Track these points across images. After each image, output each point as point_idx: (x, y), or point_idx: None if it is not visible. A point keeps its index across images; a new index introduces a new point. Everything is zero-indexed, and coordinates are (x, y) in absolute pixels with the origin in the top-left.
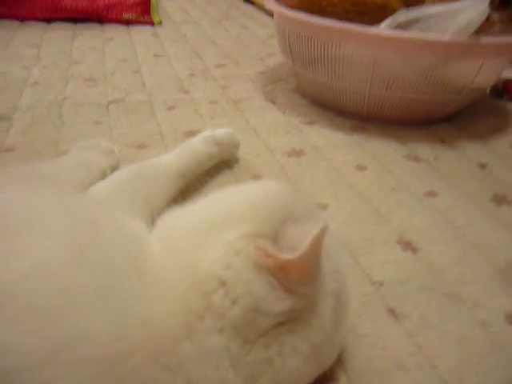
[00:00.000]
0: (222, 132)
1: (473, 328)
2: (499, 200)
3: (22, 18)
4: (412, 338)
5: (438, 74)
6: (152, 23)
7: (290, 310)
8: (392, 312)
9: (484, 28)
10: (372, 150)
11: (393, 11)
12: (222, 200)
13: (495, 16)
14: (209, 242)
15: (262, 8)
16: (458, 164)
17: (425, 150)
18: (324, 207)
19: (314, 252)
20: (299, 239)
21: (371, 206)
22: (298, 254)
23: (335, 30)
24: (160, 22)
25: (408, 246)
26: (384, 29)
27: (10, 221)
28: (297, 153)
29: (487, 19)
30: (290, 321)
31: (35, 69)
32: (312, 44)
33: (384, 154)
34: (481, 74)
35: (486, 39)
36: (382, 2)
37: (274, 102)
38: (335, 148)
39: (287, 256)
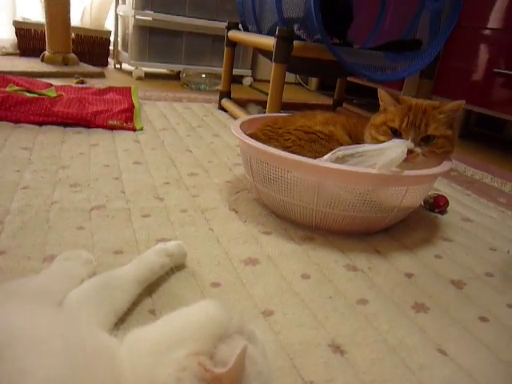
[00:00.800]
0: (172, 244)
1: None
2: (418, 308)
3: (17, 121)
4: None
5: (370, 198)
6: (134, 129)
7: None
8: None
9: (409, 158)
10: (317, 259)
11: (337, 140)
12: (172, 323)
13: (418, 149)
14: (163, 360)
15: (233, 116)
16: (388, 274)
17: (362, 260)
18: (270, 313)
19: (239, 366)
20: (228, 357)
21: (310, 312)
22: (227, 369)
23: (287, 160)
24: (141, 128)
25: (337, 349)
26: (325, 161)
27: (19, 341)
28: (252, 261)
29: (411, 152)
30: None
31: (27, 173)
32: (268, 168)
33: (327, 264)
34: (407, 197)
35: (406, 172)
36: (329, 133)
37: (236, 212)
38: (286, 257)
39: (220, 371)
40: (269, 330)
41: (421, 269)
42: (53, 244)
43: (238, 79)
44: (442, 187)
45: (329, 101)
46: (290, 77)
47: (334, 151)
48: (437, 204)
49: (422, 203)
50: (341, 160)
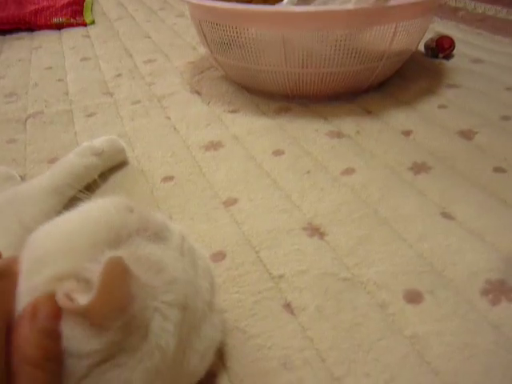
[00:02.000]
0: (100, 141)
1: (367, 313)
2: (418, 168)
3: None
4: (304, 331)
5: (349, 45)
6: (85, 24)
7: (107, 346)
8: (288, 306)
9: None
10: (293, 132)
11: None
12: (59, 231)
13: None
14: (33, 281)
15: None
16: (380, 135)
17: (348, 124)
18: (233, 202)
19: (110, 286)
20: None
21: (282, 194)
22: (89, 300)
23: (241, 12)
24: (93, 22)
25: (315, 231)
26: (286, 6)
27: None
28: (214, 146)
29: None
30: (113, 355)
31: None
32: (222, 29)
33: (305, 135)
34: (397, 38)
35: (393, 2)
36: None
37: (199, 94)
38: (255, 135)
39: (82, 300)
40: (231, 221)
41: (421, 124)
42: None
43: None
44: (447, 30)
45: None
46: None
47: None
48: (441, 47)
49: (424, 50)
50: (304, 2)
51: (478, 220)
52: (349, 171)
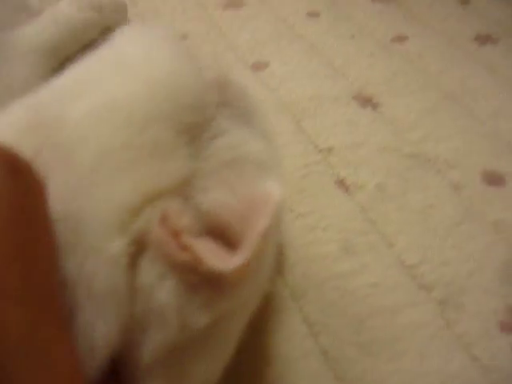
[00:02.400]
0: None
1: (441, 194)
2: (483, 39)
3: None
4: (365, 212)
5: None
6: None
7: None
8: (341, 183)
9: None
10: None
11: None
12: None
13: None
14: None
15: None
16: (433, 1)
17: None
18: (264, 66)
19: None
20: (235, 216)
21: (323, 59)
22: (234, 266)
23: None
24: None
25: (367, 101)
26: None
27: None
28: (234, 3)
29: None
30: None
31: None
32: None
33: None
34: None
35: None
36: None
37: None
38: None
39: (219, 264)
40: (262, 87)
41: None
42: None
43: None
44: None
45: None
46: None
47: None
48: None
49: None
50: None
51: None
52: (400, 38)
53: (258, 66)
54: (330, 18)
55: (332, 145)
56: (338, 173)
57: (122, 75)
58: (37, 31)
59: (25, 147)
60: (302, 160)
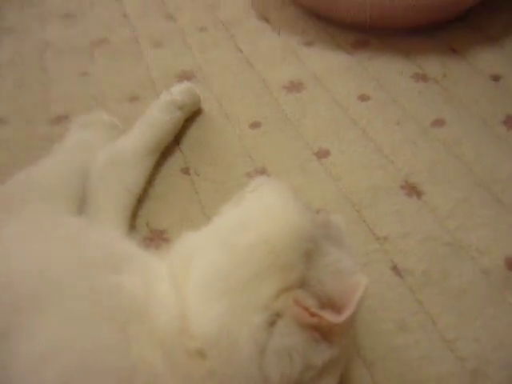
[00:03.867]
0: (179, 92)
1: (473, 279)
2: (511, 122)
3: None
4: (414, 295)
5: None
6: None
7: (330, 359)
8: (395, 269)
9: None
10: (376, 72)
11: None
12: (237, 239)
13: None
14: (238, 304)
15: None
16: (469, 79)
17: (434, 64)
18: (326, 154)
19: (355, 310)
20: (339, 295)
21: (375, 146)
22: (343, 318)
23: None
24: None
25: (413, 190)
26: None
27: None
28: (295, 86)
29: None
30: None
31: (7, 11)
32: None
33: (389, 77)
34: None
35: None
36: None
37: (267, 20)
38: (337, 74)
39: (334, 318)
40: (326, 176)
41: (511, 66)
42: (57, 100)
43: None
44: None
45: None
46: None
47: None
48: None
49: None
50: None
51: None
52: (439, 122)
53: (321, 154)
54: (379, 101)
55: (387, 234)
56: (392, 259)
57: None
58: (139, 138)
59: None
60: (364, 248)
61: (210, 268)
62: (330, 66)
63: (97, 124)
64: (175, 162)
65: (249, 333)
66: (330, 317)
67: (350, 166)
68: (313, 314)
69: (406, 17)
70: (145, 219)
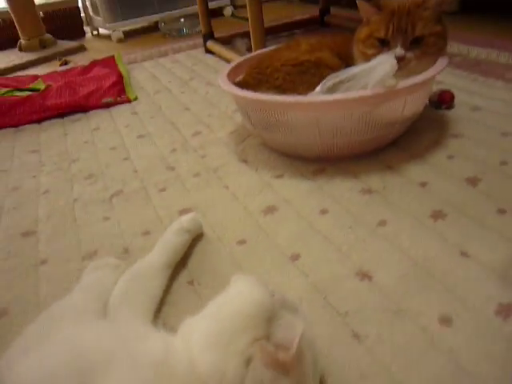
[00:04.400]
0: (186, 220)
1: (413, 335)
2: (436, 216)
3: (17, 125)
4: (371, 354)
5: (370, 118)
6: (129, 101)
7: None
8: (356, 336)
9: (402, 66)
10: (332, 191)
11: (326, 65)
12: (222, 313)
13: (409, 54)
14: (227, 352)
15: (221, 56)
16: (402, 188)
17: (375, 180)
18: (297, 257)
19: (299, 347)
20: (285, 338)
21: (334, 247)
22: (291, 355)
23: (282, 103)
24: (136, 98)
25: (364, 276)
26: (318, 95)
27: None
28: (271, 210)
29: (403, 59)
30: None
31: (42, 176)
32: (266, 114)
33: (342, 194)
34: (407, 107)
35: (401, 84)
36: (317, 60)
37: (246, 162)
38: (301, 197)
39: (286, 357)
40: (299, 273)
41: (434, 175)
42: (86, 241)
43: (218, 12)
44: (446, 78)
45: (315, 11)
46: None
47: (323, 82)
48: (442, 100)
49: (428, 102)
50: (332, 89)
51: (489, 255)
52: (382, 223)
53: (294, 258)
54: (335, 213)
55: (347, 310)
56: (352, 329)
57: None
58: (157, 255)
59: None
60: (330, 323)
61: (206, 330)
62: (297, 191)
63: (104, 266)
64: (183, 275)
65: (233, 369)
66: (283, 356)
67: (317, 263)
68: (272, 356)
69: (350, 150)
70: (162, 320)
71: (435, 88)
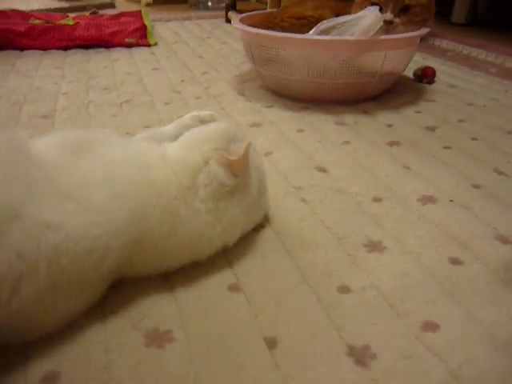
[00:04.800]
0: (204, 113)
1: (348, 205)
2: (392, 144)
3: (45, 48)
4: (313, 213)
5: (354, 64)
6: (149, 45)
7: (234, 184)
8: (303, 200)
9: (390, 29)
10: (311, 120)
11: None
12: (199, 131)
13: (397, 20)
14: (197, 151)
15: None
16: (371, 125)
17: (350, 118)
18: (270, 153)
19: (245, 156)
20: (238, 151)
21: (302, 151)
22: (237, 157)
23: (279, 38)
24: (156, 44)
25: (321, 169)
26: (311, 35)
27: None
28: (256, 125)
29: (391, 22)
30: (234, 191)
31: (63, 84)
32: (265, 50)
33: (319, 122)
34: (386, 62)
35: (383, 37)
36: (319, 16)
37: (243, 95)
38: (284, 121)
39: (233, 157)
40: (269, 163)
41: (400, 120)
42: (95, 126)
43: None
44: (434, 64)
45: None
46: None
47: (317, 25)
48: (425, 74)
49: (412, 76)
50: (324, 32)
51: (429, 171)
52: (347, 142)
53: (267, 154)
54: (309, 132)
55: (300, 185)
56: (301, 196)
57: None
58: (171, 127)
59: None
60: (284, 190)
61: (181, 140)
62: (281, 117)
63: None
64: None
65: (195, 162)
66: (231, 157)
67: (285, 158)
68: (225, 158)
69: (334, 93)
70: None
71: (421, 65)
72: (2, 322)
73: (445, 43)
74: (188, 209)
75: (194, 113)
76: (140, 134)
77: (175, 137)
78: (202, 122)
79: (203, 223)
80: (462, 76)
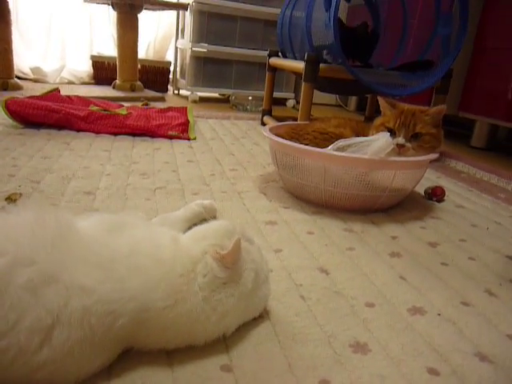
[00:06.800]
0: (206, 201)
1: (345, 310)
2: (394, 255)
3: (98, 132)
4: (311, 313)
5: (365, 179)
6: (189, 139)
7: (227, 276)
8: (302, 297)
9: (402, 152)
10: (322, 224)
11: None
12: (205, 228)
13: (408, 144)
14: (196, 245)
15: None
16: (376, 235)
17: (357, 226)
18: (280, 251)
19: (234, 250)
20: (230, 245)
21: (308, 252)
22: (226, 252)
23: (300, 150)
24: (195, 138)
25: (323, 271)
26: (329, 150)
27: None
28: (272, 223)
29: (403, 146)
30: (228, 282)
31: (108, 165)
32: (288, 157)
33: (328, 227)
34: (396, 180)
35: (392, 159)
36: (339, 133)
37: (265, 194)
38: (298, 222)
39: (224, 252)
40: (276, 260)
41: (405, 234)
42: (129, 207)
43: (282, 102)
44: (449, 185)
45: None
46: (331, 99)
47: (335, 142)
48: (434, 193)
49: (423, 193)
50: (341, 149)
51: (424, 283)
52: (351, 249)
53: (277, 251)
54: (318, 236)
55: (301, 283)
56: (300, 293)
57: None
58: (181, 213)
59: None
60: (286, 286)
61: (190, 234)
62: (295, 218)
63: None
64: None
65: (196, 253)
66: (222, 252)
67: (291, 257)
68: (218, 253)
69: (346, 202)
70: None
71: (432, 184)
72: (32, 372)
73: (460, 165)
74: (189, 288)
75: (198, 201)
76: (156, 218)
77: (185, 219)
78: (204, 208)
79: (199, 309)
80: (471, 198)
